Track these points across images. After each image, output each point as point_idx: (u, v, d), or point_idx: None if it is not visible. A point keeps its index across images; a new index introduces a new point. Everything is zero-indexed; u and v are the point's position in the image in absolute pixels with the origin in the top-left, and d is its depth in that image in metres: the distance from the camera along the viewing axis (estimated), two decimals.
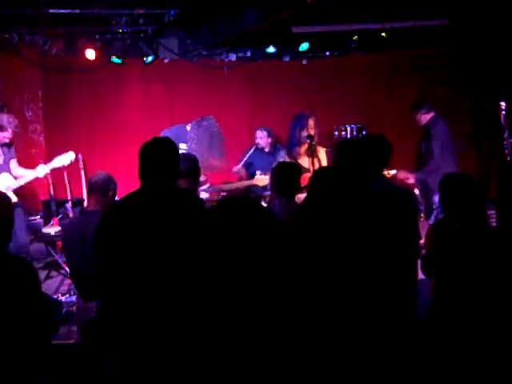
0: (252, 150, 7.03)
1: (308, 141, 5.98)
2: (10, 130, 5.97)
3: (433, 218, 5.67)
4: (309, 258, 2.80)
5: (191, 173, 3.85)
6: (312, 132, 6.07)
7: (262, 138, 7.11)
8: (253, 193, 6.94)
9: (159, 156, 3.05)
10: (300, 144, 6.17)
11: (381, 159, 3.61)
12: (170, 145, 3.13)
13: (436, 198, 5.59)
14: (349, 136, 7.82)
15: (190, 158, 4.02)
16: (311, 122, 6.16)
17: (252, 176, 6.98)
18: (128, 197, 3.09)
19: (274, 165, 4.74)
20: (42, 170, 5.88)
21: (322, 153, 6.16)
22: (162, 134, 5.79)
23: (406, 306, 3.21)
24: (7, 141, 6.00)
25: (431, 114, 6.55)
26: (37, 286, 2.89)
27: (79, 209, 4.72)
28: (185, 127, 6.12)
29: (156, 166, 3.02)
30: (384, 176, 3.91)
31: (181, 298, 2.85)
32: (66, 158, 5.92)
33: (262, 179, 6.47)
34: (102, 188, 4.14)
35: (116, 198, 4.39)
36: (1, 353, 2.74)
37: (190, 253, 2.90)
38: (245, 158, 6.81)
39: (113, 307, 2.96)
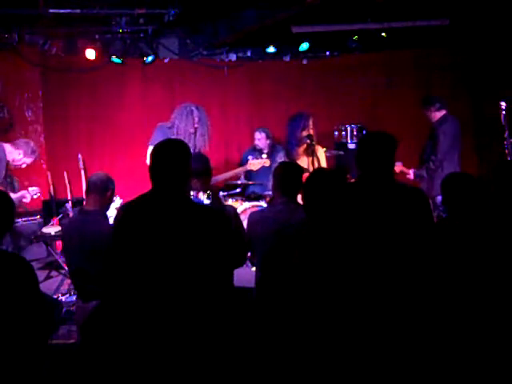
0: (249, 151, 7.04)
1: (308, 141, 5.98)
2: (33, 158, 6.12)
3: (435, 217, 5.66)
4: (322, 259, 2.80)
5: (203, 172, 3.87)
6: (312, 132, 6.07)
7: (261, 140, 7.13)
8: (253, 193, 6.95)
9: (173, 158, 3.01)
10: (299, 144, 6.17)
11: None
12: (183, 147, 3.10)
13: (439, 198, 5.58)
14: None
15: (202, 158, 4.04)
16: (311, 122, 6.17)
17: (253, 177, 6.99)
18: (141, 198, 3.06)
19: (275, 165, 4.74)
20: (33, 191, 5.99)
21: (321, 153, 6.16)
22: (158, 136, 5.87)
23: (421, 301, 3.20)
24: (24, 166, 6.12)
25: (442, 113, 6.42)
26: (34, 283, 2.88)
27: (78, 208, 4.73)
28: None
29: (169, 168, 2.98)
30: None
31: (190, 299, 2.84)
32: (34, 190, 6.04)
33: (254, 164, 6.48)
34: (100, 188, 4.17)
35: (114, 198, 4.40)
36: None
37: (199, 257, 2.89)
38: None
39: (119, 308, 2.94)
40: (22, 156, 5.98)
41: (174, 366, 2.78)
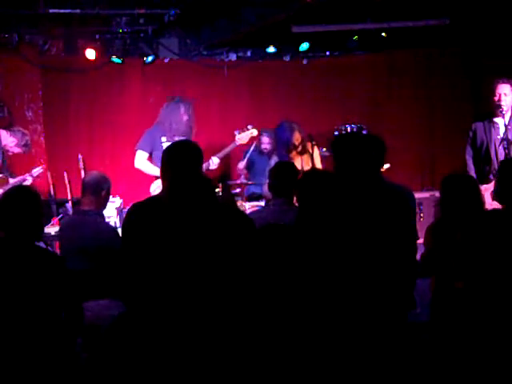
0: (252, 148, 7.01)
1: (309, 141, 6.01)
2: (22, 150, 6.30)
3: None
4: (310, 259, 2.80)
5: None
6: (299, 139, 6.12)
7: (269, 144, 7.16)
8: (253, 193, 6.95)
9: (187, 160, 2.98)
10: (290, 151, 6.21)
11: (378, 159, 3.59)
12: (195, 148, 3.07)
13: None
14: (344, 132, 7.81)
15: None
16: (297, 133, 6.21)
17: (253, 177, 6.99)
18: (155, 201, 3.02)
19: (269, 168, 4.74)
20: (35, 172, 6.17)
21: (315, 152, 6.16)
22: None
23: (402, 304, 3.21)
24: (10, 154, 6.26)
25: None
26: (65, 273, 3.15)
27: (75, 208, 4.73)
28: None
29: (184, 169, 2.95)
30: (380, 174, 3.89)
31: (216, 300, 2.82)
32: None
33: (242, 137, 6.35)
34: (94, 188, 4.18)
35: (113, 198, 4.39)
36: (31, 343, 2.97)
37: (218, 256, 2.87)
38: (248, 155, 6.81)
39: (145, 310, 2.92)
40: (13, 144, 6.18)
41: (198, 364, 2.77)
